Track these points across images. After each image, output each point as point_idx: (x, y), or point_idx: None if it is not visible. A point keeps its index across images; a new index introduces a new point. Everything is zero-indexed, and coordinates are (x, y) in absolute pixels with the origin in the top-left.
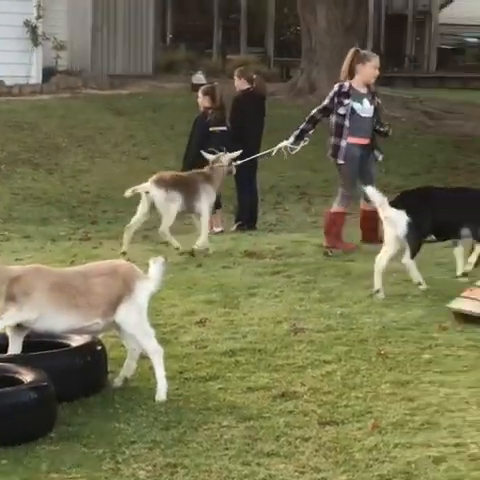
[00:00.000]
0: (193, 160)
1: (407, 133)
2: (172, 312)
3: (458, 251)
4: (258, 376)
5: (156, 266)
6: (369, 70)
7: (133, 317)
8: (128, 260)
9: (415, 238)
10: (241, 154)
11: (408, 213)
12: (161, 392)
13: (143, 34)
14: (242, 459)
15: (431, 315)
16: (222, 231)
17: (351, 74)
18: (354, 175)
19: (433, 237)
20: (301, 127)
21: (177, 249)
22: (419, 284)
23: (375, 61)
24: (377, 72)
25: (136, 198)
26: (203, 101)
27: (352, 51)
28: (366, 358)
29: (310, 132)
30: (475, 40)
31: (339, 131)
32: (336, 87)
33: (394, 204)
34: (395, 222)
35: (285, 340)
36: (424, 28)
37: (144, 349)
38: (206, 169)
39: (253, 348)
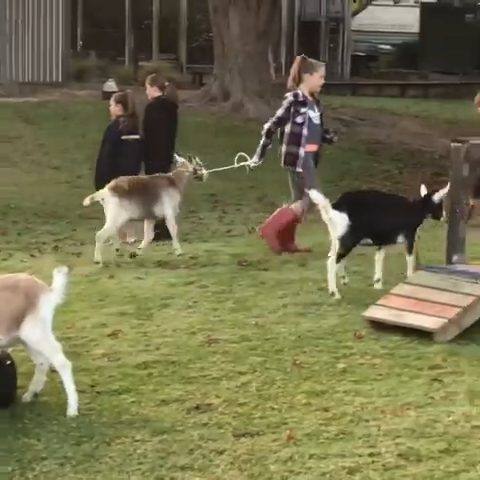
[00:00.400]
0: (105, 169)
1: None
2: (83, 325)
3: (379, 257)
4: (172, 388)
5: (60, 277)
6: (317, 80)
7: (38, 332)
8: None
9: (348, 243)
10: (155, 163)
11: (349, 216)
12: (72, 407)
13: (53, 41)
14: (156, 473)
15: (346, 324)
16: (135, 241)
17: (298, 82)
18: (313, 178)
19: (369, 241)
20: (262, 144)
21: (97, 263)
22: (332, 294)
23: (322, 71)
24: (323, 81)
25: (47, 210)
26: (115, 109)
27: (299, 59)
28: (281, 368)
29: (269, 146)
30: (388, 47)
31: (296, 140)
32: (291, 96)
33: (336, 206)
34: (336, 224)
35: (199, 351)
36: (338, 35)
37: (51, 363)
38: (171, 173)
39: (166, 360)
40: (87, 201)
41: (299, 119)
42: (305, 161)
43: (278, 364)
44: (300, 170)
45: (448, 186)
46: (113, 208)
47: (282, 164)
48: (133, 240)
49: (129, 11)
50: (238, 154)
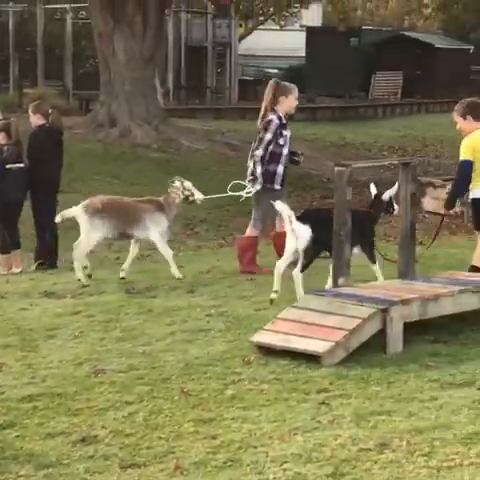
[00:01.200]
0: None
1: (210, 165)
2: None
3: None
4: (57, 421)
5: None
6: (292, 102)
7: None
8: None
9: (311, 253)
10: (40, 191)
11: (312, 228)
12: None
13: None
14: None
15: (235, 349)
16: (21, 271)
17: (273, 106)
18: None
19: (327, 253)
20: (259, 171)
21: (78, 280)
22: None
23: (296, 93)
24: (297, 102)
25: None
26: None
27: (273, 83)
28: (169, 397)
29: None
30: (275, 71)
31: (277, 158)
32: (277, 120)
33: (300, 219)
34: (298, 235)
35: (85, 382)
36: (225, 60)
37: None
38: (162, 197)
39: (52, 392)
40: (58, 218)
41: (281, 141)
42: (283, 179)
43: (165, 392)
44: (278, 187)
45: (396, 185)
46: (85, 227)
47: (260, 181)
48: (19, 270)
49: (13, 37)
50: (232, 182)
